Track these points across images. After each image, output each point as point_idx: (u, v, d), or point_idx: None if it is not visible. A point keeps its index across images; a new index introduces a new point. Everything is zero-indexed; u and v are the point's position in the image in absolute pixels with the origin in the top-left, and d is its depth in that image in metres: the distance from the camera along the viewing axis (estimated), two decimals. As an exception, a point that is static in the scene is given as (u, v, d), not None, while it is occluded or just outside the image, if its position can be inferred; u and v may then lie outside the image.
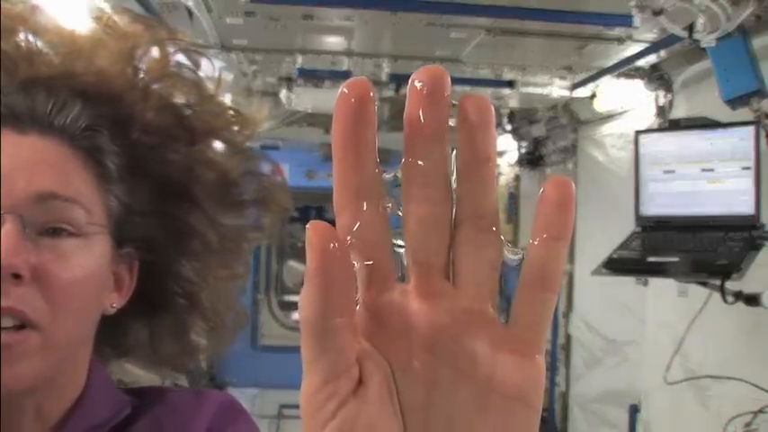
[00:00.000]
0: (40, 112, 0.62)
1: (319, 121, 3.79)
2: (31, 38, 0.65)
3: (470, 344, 0.30)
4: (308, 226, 0.28)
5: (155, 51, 0.68)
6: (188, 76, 0.69)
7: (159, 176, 0.67)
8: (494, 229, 0.30)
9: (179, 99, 0.69)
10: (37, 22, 0.66)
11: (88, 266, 0.60)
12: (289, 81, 3.08)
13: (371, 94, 0.29)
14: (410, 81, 0.29)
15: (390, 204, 0.30)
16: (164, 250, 0.69)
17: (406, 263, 0.30)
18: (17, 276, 0.55)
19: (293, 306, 4.27)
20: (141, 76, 0.67)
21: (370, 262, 0.30)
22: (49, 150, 0.61)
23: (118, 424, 0.65)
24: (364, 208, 0.29)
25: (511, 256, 0.30)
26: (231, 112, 0.72)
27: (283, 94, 3.17)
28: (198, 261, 0.71)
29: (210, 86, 0.71)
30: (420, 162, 0.29)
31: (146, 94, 0.67)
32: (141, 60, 0.67)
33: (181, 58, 0.69)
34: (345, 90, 0.29)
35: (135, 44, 0.67)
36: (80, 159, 0.62)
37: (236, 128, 0.72)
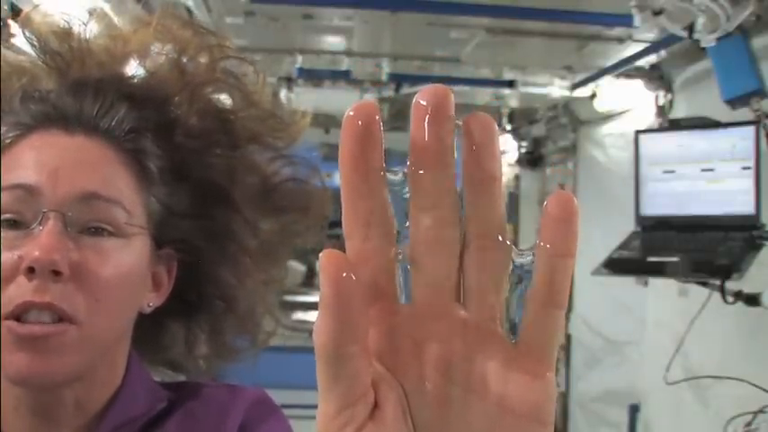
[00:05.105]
0: (87, 113, 0.64)
1: (319, 121, 3.79)
2: (84, 40, 0.67)
3: (481, 364, 0.30)
4: (321, 255, 0.28)
5: (202, 57, 0.69)
6: (233, 82, 0.71)
7: (200, 179, 0.69)
8: (502, 247, 0.30)
9: (223, 104, 0.71)
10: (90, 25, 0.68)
11: (126, 265, 0.62)
12: (289, 81, 3.08)
13: (377, 117, 0.29)
14: (414, 101, 0.29)
15: (401, 254, 0.30)
16: (202, 252, 0.70)
17: (412, 283, 0.30)
18: (57, 273, 0.57)
19: (293, 306, 4.28)
20: (188, 80, 0.68)
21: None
22: (94, 151, 0.63)
23: (154, 416, 0.67)
24: (373, 233, 0.30)
25: (519, 259, 0.30)
26: (274, 118, 0.73)
27: (283, 93, 3.17)
28: (236, 264, 0.72)
29: (255, 91, 0.72)
30: (426, 183, 0.29)
31: (191, 98, 0.68)
32: (188, 65, 0.69)
33: (227, 64, 0.71)
34: (352, 113, 0.29)
35: (183, 49, 0.69)
36: (123, 161, 0.64)
37: (278, 133, 0.73)
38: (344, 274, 0.28)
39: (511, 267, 0.30)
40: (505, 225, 0.30)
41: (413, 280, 0.30)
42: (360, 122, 0.29)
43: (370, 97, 3.08)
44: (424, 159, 0.29)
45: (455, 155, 0.29)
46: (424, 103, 0.28)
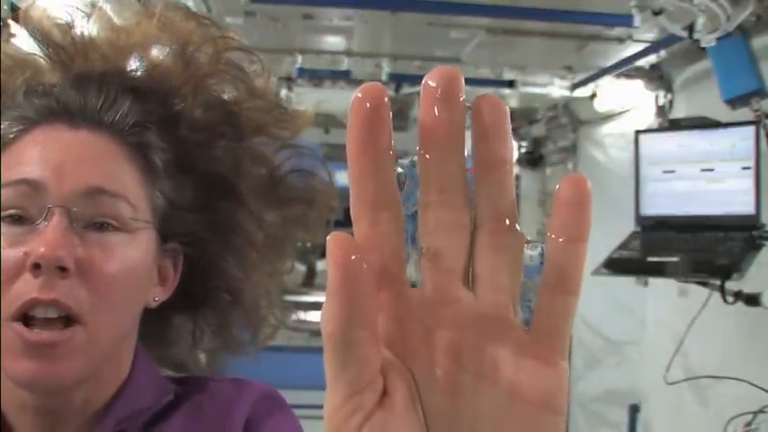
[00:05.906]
0: (90, 107, 0.64)
1: (319, 121, 3.79)
2: (87, 32, 0.67)
3: (493, 351, 0.29)
4: (328, 238, 0.28)
5: (206, 49, 0.69)
6: (237, 73, 0.70)
7: (205, 172, 0.68)
8: (513, 231, 0.29)
9: (228, 96, 0.70)
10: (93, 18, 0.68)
11: (132, 260, 0.61)
12: (289, 81, 3.08)
13: (386, 98, 0.28)
14: (423, 82, 0.28)
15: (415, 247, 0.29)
16: (208, 245, 0.69)
17: (422, 267, 0.30)
18: (63, 269, 0.57)
19: (293, 306, 4.29)
20: (192, 72, 0.68)
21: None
22: (98, 146, 0.63)
23: (160, 410, 0.67)
24: (381, 217, 0.29)
25: (529, 252, 0.29)
26: (279, 109, 0.72)
27: (283, 93, 3.16)
28: (242, 257, 0.72)
29: (259, 83, 0.71)
30: (436, 166, 0.28)
31: (195, 90, 0.68)
32: (192, 57, 0.68)
33: (231, 56, 0.70)
34: (360, 95, 0.28)
35: (187, 41, 0.68)
36: (128, 154, 0.64)
37: (283, 124, 0.72)
38: (353, 257, 0.27)
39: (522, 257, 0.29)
40: (516, 210, 0.29)
41: (423, 265, 0.29)
42: (368, 104, 0.28)
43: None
44: (433, 141, 0.28)
45: (465, 137, 0.28)
46: (434, 84, 0.28)
